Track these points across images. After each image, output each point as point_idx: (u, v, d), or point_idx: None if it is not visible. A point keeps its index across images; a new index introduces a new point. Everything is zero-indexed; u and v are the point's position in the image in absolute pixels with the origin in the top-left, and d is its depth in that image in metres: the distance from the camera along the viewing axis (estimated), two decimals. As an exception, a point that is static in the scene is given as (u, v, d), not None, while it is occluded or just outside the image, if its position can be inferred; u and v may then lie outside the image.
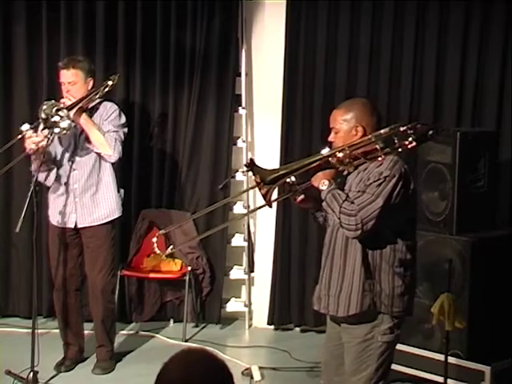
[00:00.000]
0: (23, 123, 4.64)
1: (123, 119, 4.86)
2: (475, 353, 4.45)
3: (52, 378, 4.75)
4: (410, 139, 3.10)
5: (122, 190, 4.96)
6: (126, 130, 4.86)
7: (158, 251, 3.52)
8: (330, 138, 3.35)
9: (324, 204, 3.21)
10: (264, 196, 3.19)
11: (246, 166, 3.28)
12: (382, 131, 3.19)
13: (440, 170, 4.68)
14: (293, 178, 3.24)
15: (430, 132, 3.20)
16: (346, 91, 5.59)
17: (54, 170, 4.77)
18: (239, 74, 5.87)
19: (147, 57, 5.77)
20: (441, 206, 4.69)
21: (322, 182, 3.19)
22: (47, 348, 4.58)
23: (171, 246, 3.74)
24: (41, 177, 4.69)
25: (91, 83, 4.76)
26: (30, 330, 4.48)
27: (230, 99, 5.81)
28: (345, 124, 3.30)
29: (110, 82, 4.76)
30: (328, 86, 5.64)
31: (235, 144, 5.88)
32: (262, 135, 5.94)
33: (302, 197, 3.33)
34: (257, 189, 3.22)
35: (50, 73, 5.64)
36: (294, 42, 5.67)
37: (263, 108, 5.92)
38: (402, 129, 3.14)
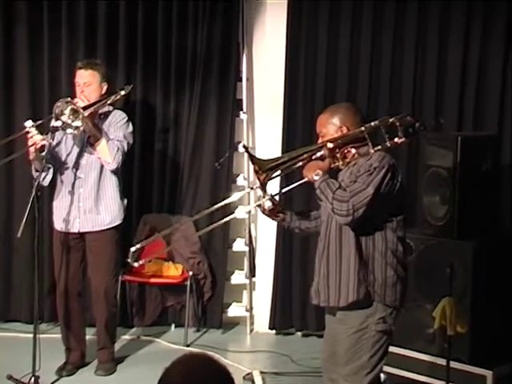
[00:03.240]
0: (27, 119, 4.66)
1: (130, 129, 4.88)
2: (477, 357, 4.45)
3: (53, 382, 4.75)
4: (399, 134, 3.34)
5: (125, 200, 4.97)
6: (131, 141, 4.89)
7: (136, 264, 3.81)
8: (319, 143, 3.48)
9: (318, 191, 3.34)
10: (262, 183, 3.38)
11: (244, 147, 3.50)
12: (372, 123, 3.40)
13: (441, 175, 4.68)
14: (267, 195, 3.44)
15: (417, 125, 3.43)
16: (347, 96, 5.59)
17: (51, 171, 4.77)
18: (240, 79, 5.88)
19: (148, 62, 5.77)
20: (442, 211, 4.69)
21: (315, 172, 3.34)
22: (49, 353, 4.58)
23: (145, 259, 3.90)
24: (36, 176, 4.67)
25: (105, 88, 4.80)
26: (31, 335, 4.49)
27: (231, 104, 5.82)
28: (330, 127, 3.47)
29: (122, 92, 4.84)
30: (329, 91, 5.65)
31: (236, 149, 5.89)
32: (263, 140, 5.95)
33: (269, 204, 3.51)
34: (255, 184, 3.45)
35: (51, 76, 5.66)
36: (294, 47, 5.68)
37: (264, 113, 5.93)
38: (390, 120, 3.38)
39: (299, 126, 5.69)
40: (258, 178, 3.37)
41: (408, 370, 4.60)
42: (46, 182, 4.78)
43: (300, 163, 3.43)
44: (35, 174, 4.63)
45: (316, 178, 3.34)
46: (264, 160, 3.43)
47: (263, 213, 3.61)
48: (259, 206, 3.57)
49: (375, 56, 5.61)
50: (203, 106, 5.80)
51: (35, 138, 4.56)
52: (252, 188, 3.50)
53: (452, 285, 4.22)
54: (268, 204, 3.51)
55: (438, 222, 4.70)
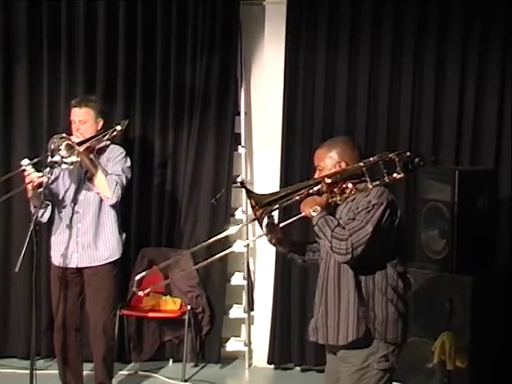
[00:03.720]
0: (24, 158, 4.67)
1: (128, 163, 4.89)
2: (477, 392, 4.43)
3: (50, 419, 4.71)
4: (398, 169, 3.31)
5: (124, 234, 4.97)
6: (129, 175, 4.89)
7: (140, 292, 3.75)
8: (315, 176, 3.46)
9: (316, 228, 3.30)
10: (259, 219, 3.33)
11: (240, 183, 3.42)
12: (371, 158, 3.37)
13: (439, 208, 4.69)
14: (275, 219, 3.40)
15: (416, 160, 3.38)
16: (345, 129, 5.62)
17: (49, 208, 4.77)
18: (238, 113, 5.90)
19: (147, 96, 5.80)
20: (440, 244, 4.70)
21: (313, 208, 3.30)
22: (45, 389, 4.55)
23: (150, 288, 3.87)
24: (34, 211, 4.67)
25: (101, 124, 4.80)
26: (28, 371, 4.45)
27: (229, 138, 5.83)
28: (328, 161, 3.44)
29: (118, 127, 4.83)
30: (327, 124, 5.67)
31: (235, 182, 5.89)
32: (261, 174, 5.96)
33: (279, 236, 3.47)
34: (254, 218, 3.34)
35: (50, 113, 5.69)
36: (292, 81, 5.71)
37: (262, 146, 5.95)
38: (389, 155, 3.35)
39: (297, 160, 5.71)
40: (255, 214, 3.32)
41: (408, 405, 4.57)
42: (44, 219, 4.77)
43: (297, 197, 3.39)
44: (33, 210, 4.63)
45: (314, 213, 3.30)
46: (261, 195, 3.39)
47: (270, 242, 3.54)
48: (267, 235, 3.50)
49: (373, 89, 5.63)
50: (201, 139, 5.81)
51: (32, 176, 4.55)
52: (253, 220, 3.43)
53: (451, 319, 4.21)
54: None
55: (436, 256, 4.71)
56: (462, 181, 4.62)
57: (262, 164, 5.96)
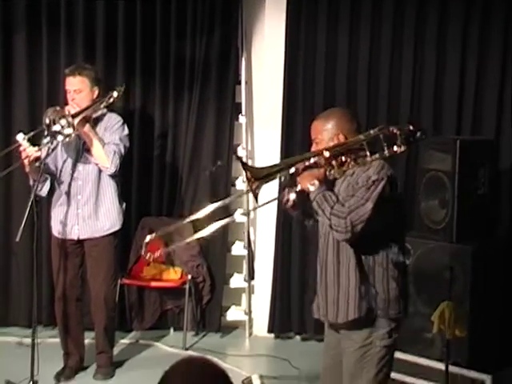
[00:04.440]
0: (18, 132, 4.64)
1: (126, 131, 4.86)
2: (476, 361, 4.45)
3: (52, 387, 4.75)
4: (399, 142, 3.17)
5: (124, 204, 4.97)
6: (127, 143, 4.86)
7: (149, 255, 3.56)
8: (313, 149, 3.36)
9: (314, 204, 3.22)
10: (254, 192, 3.21)
11: (236, 156, 3.33)
12: (371, 131, 3.24)
13: (440, 178, 4.68)
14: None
15: (418, 134, 3.27)
16: (346, 99, 5.61)
17: (48, 181, 4.75)
18: (239, 83, 5.88)
19: (147, 65, 5.77)
20: (441, 214, 4.69)
21: (311, 182, 3.21)
22: (47, 357, 4.57)
23: (159, 251, 3.74)
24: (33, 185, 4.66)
25: (97, 92, 4.76)
26: (29, 340, 4.49)
27: (230, 107, 5.82)
28: (325, 133, 3.33)
29: (115, 93, 4.75)
30: (328, 94, 5.65)
31: (235, 152, 5.89)
32: (262, 143, 5.95)
33: (293, 197, 3.32)
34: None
35: (49, 82, 5.66)
36: (293, 50, 5.69)
37: (263, 116, 5.93)
38: (391, 129, 3.21)
39: (298, 129, 5.69)
40: (251, 187, 3.20)
41: (406, 374, 4.59)
42: (43, 193, 4.75)
43: (294, 171, 3.27)
44: (32, 183, 4.60)
45: (312, 188, 3.20)
46: (257, 168, 3.30)
47: (285, 205, 3.39)
48: (282, 199, 3.38)
49: (374, 59, 5.61)
50: (202, 109, 5.80)
51: (28, 151, 4.51)
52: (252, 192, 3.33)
53: (451, 289, 4.22)
54: (293, 196, 3.31)
55: (436, 226, 4.70)
56: (462, 151, 4.61)
57: (262, 133, 5.95)
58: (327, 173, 3.25)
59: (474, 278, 4.47)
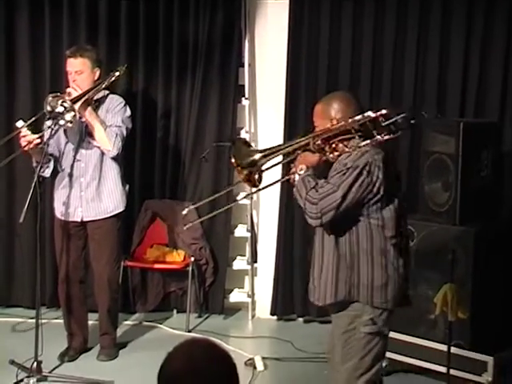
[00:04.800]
0: (18, 120, 4.62)
1: (128, 112, 4.85)
2: (478, 343, 4.46)
3: (56, 367, 4.76)
4: (380, 130, 3.16)
5: (127, 186, 4.97)
6: (130, 125, 4.85)
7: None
8: (308, 136, 3.35)
9: (294, 189, 3.25)
10: (248, 180, 3.24)
11: (231, 142, 3.31)
12: (356, 118, 3.22)
13: (443, 161, 4.68)
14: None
15: (399, 121, 3.28)
16: (349, 82, 5.59)
17: (52, 163, 4.74)
18: (242, 65, 5.86)
19: (150, 48, 5.76)
20: (444, 197, 4.69)
21: (300, 167, 3.24)
22: (51, 338, 4.60)
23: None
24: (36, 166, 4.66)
25: (98, 73, 4.74)
26: (33, 320, 4.51)
27: (233, 90, 5.80)
28: (324, 117, 3.34)
29: (117, 73, 4.75)
30: (331, 76, 5.64)
31: (238, 135, 5.88)
32: (265, 126, 5.94)
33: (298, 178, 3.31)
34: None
35: (52, 63, 5.65)
36: (297, 33, 5.66)
37: (266, 98, 5.92)
38: (372, 115, 3.18)
39: (301, 112, 5.68)
40: (240, 174, 3.25)
41: (409, 356, 4.60)
42: (47, 174, 4.75)
43: (289, 156, 3.31)
44: (36, 165, 4.59)
45: (300, 173, 3.24)
46: (246, 154, 3.29)
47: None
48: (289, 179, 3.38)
49: (377, 42, 5.59)
50: (205, 91, 5.79)
51: (28, 138, 4.50)
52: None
53: (453, 271, 4.22)
54: (297, 177, 3.30)
55: (439, 208, 4.70)
56: (466, 133, 4.60)
57: (265, 116, 5.94)
58: (321, 158, 3.26)
59: (477, 260, 4.47)
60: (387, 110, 3.22)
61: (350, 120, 3.24)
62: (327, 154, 3.26)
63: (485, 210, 4.74)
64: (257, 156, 3.31)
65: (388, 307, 3.28)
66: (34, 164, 4.64)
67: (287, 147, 3.33)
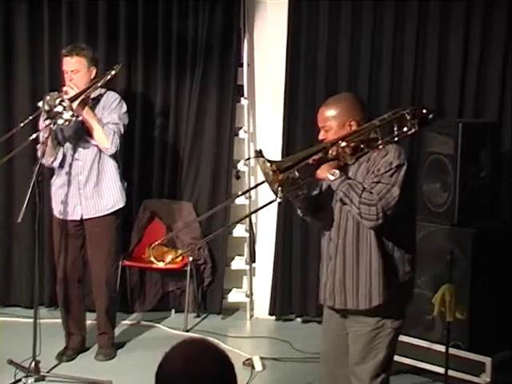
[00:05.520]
0: (38, 101, 4.60)
1: (124, 108, 4.85)
2: (476, 344, 4.46)
3: (54, 367, 4.76)
4: (409, 125, 3.16)
5: (125, 183, 4.97)
6: (126, 121, 4.85)
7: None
8: (321, 137, 3.30)
9: (341, 194, 3.17)
10: (281, 183, 3.11)
11: (256, 152, 3.20)
12: (385, 115, 3.21)
13: (442, 161, 4.67)
14: (296, 174, 3.17)
15: (431, 116, 3.25)
16: (348, 81, 5.59)
17: (62, 149, 4.76)
18: (241, 65, 5.86)
19: (149, 47, 5.75)
20: (442, 198, 4.69)
21: (331, 171, 3.16)
22: (49, 338, 4.60)
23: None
24: (46, 161, 4.66)
25: (94, 72, 4.75)
26: (31, 320, 4.50)
27: (231, 89, 5.80)
28: (335, 121, 3.26)
29: (113, 72, 4.76)
30: (330, 77, 5.63)
31: (237, 135, 5.88)
32: (263, 126, 5.94)
33: (304, 192, 3.30)
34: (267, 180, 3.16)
35: (51, 62, 5.64)
36: (296, 32, 5.66)
37: (265, 98, 5.92)
38: (403, 112, 3.18)
39: (300, 112, 5.68)
40: (275, 178, 3.08)
41: (407, 357, 4.60)
42: (56, 163, 4.76)
43: (310, 161, 3.19)
44: (44, 161, 4.55)
45: (331, 177, 3.15)
46: (278, 161, 3.17)
47: (296, 197, 3.33)
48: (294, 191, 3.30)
49: (376, 42, 5.59)
50: (204, 91, 5.79)
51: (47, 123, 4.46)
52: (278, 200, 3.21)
53: (452, 271, 4.22)
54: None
55: (438, 209, 4.70)
56: (464, 134, 4.59)
57: (264, 116, 5.94)
58: (341, 161, 3.21)
59: (475, 260, 4.47)
60: (422, 107, 3.27)
61: (379, 119, 3.21)
62: (347, 156, 3.19)
63: (483, 210, 4.74)
64: (294, 160, 3.16)
65: (410, 299, 3.34)
66: (39, 158, 4.53)
67: (316, 152, 3.19)
